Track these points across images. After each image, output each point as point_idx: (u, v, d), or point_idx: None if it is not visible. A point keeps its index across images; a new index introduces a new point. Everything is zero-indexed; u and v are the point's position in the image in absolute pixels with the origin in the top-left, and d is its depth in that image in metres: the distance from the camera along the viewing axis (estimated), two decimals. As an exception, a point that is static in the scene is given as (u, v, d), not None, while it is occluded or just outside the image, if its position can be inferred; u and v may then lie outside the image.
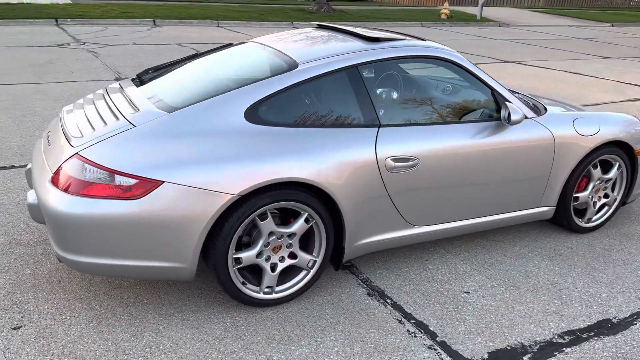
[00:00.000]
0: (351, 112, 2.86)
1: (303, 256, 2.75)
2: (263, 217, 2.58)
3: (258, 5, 21.64)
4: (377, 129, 2.87)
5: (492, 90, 3.23)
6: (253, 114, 2.66)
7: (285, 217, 2.73)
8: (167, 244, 2.42)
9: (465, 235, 3.66)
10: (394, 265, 3.24)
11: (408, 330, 2.64)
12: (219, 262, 2.53)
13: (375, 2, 28.12)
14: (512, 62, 11.67)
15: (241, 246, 2.69)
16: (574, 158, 3.42)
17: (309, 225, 2.71)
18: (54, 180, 2.45)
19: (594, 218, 3.79)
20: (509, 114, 3.05)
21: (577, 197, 3.61)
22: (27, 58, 9.27)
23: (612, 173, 3.68)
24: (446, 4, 21.55)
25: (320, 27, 3.68)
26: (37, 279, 2.90)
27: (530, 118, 3.32)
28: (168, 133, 2.51)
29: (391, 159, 2.83)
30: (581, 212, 3.75)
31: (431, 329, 2.66)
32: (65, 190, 2.38)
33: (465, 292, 2.99)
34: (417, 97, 3.26)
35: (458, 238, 3.62)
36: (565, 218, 3.63)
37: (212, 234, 2.51)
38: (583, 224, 3.73)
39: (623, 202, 3.91)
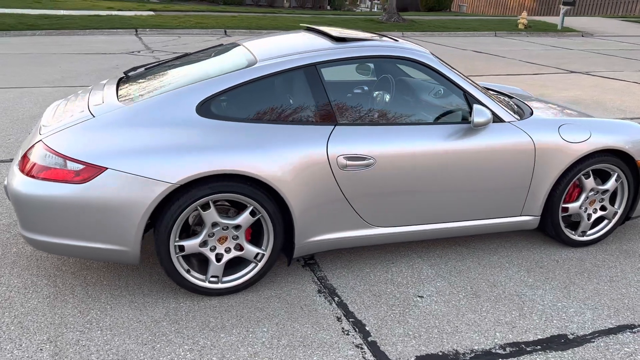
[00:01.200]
0: (306, 109, 2.91)
1: (250, 249, 2.83)
2: (206, 207, 2.68)
3: (329, 16, 21.97)
4: (332, 127, 2.90)
5: (464, 91, 3.15)
6: (205, 109, 2.78)
7: (238, 210, 2.82)
8: (110, 228, 2.58)
9: (444, 241, 3.57)
10: (357, 265, 3.23)
11: (342, 328, 2.63)
12: (161, 248, 2.66)
13: (452, 12, 27.64)
14: (578, 72, 11.09)
15: (191, 235, 2.81)
16: (559, 166, 3.24)
17: (255, 218, 2.78)
18: (20, 165, 2.69)
19: (591, 232, 3.56)
20: (473, 116, 2.97)
21: (567, 208, 3.42)
22: (96, 64, 10.02)
23: (609, 184, 3.44)
24: (524, 14, 20.79)
25: (307, 29, 3.75)
26: (19, 256, 3.17)
27: (508, 122, 3.20)
28: (122, 124, 2.69)
29: (344, 157, 2.84)
30: (575, 225, 3.54)
31: (367, 328, 2.64)
32: (27, 173, 2.61)
33: (419, 296, 2.93)
34: (380, 97, 3.24)
35: (436, 243, 3.54)
36: (553, 229, 3.45)
37: (156, 221, 2.65)
38: (576, 237, 3.52)
39: (627, 217, 3.64)
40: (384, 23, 19.12)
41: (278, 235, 2.84)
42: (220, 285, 2.83)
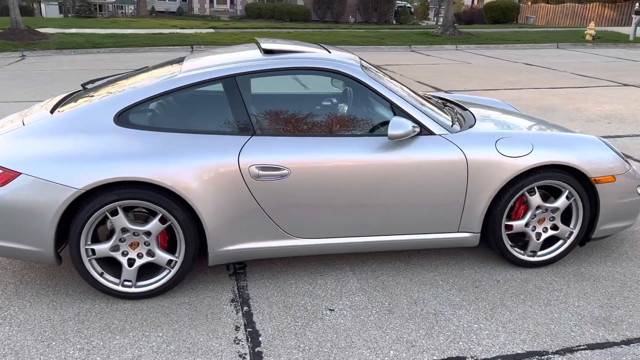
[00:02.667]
0: (223, 120, 2.98)
1: (161, 255, 2.91)
2: (117, 213, 2.80)
3: (385, 30, 21.93)
4: (249, 137, 2.94)
5: (390, 103, 3.10)
6: (124, 118, 2.91)
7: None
8: (26, 230, 2.76)
9: (384, 255, 3.49)
10: (284, 275, 3.23)
11: (236, 337, 2.65)
12: (73, 251, 2.81)
13: (517, 25, 26.75)
14: (632, 85, 10.42)
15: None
16: (496, 181, 3.10)
17: (166, 225, 2.87)
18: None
19: (542, 252, 3.36)
20: (389, 128, 2.91)
21: (511, 226, 3.25)
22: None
23: (559, 202, 3.24)
24: (591, 24, 19.79)
25: (255, 42, 3.81)
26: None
27: (439, 135, 3.11)
28: (44, 132, 2.87)
29: (256, 167, 2.88)
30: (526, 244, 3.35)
31: (260, 339, 2.64)
32: None
33: (330, 310, 2.89)
34: (302, 109, 3.24)
35: (375, 256, 3.46)
36: (497, 248, 3.29)
37: (68, 224, 2.80)
38: (525, 257, 3.33)
39: (587, 238, 3.40)
40: (439, 36, 18.85)
41: (190, 243, 2.90)
42: (133, 290, 2.93)
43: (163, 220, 2.86)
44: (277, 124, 3.05)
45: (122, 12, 54.29)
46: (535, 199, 3.20)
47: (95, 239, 2.89)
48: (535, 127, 3.51)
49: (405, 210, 3.09)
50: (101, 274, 2.90)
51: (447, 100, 4.07)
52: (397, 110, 3.09)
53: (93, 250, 2.84)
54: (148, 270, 3.00)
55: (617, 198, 3.27)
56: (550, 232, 3.32)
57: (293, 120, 3.08)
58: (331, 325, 2.75)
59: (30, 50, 14.77)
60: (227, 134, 2.94)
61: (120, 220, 2.81)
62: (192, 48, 16.14)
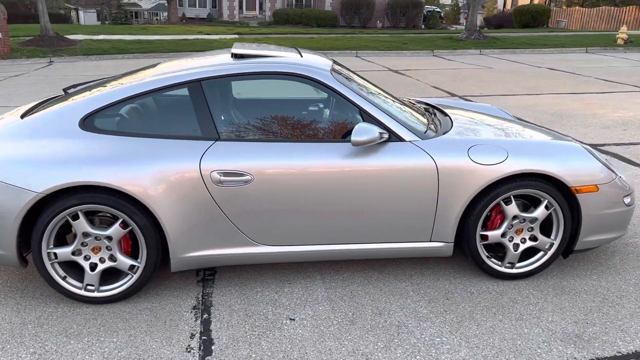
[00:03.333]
0: (187, 124, 2.96)
1: (123, 260, 2.90)
2: (78, 217, 2.81)
3: (409, 35, 21.75)
4: (212, 142, 2.91)
5: (359, 109, 3.03)
6: (89, 123, 2.92)
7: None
8: (-11, 232, 2.79)
9: (358, 263, 3.41)
10: (252, 282, 3.19)
11: (189, 345, 2.62)
12: (35, 254, 2.82)
13: (548, 29, 26.17)
14: (655, 90, 10.05)
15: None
16: (469, 190, 2.99)
17: (127, 230, 2.86)
18: None
19: (521, 264, 3.23)
20: (352, 134, 2.84)
21: (486, 236, 3.13)
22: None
23: (537, 212, 3.11)
24: (623, 28, 19.21)
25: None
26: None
27: (409, 141, 3.02)
28: (11, 136, 2.91)
29: (218, 173, 2.85)
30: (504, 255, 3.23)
31: (213, 347, 2.60)
32: None
33: (291, 319, 2.84)
34: (270, 114, 3.19)
35: (348, 265, 3.39)
36: (473, 259, 3.18)
37: (32, 227, 2.82)
38: (503, 269, 3.21)
39: (569, 250, 3.26)
40: (463, 41, 18.59)
41: (152, 249, 2.89)
42: (96, 294, 2.93)
43: (125, 225, 2.85)
44: (242, 129, 3.01)
45: (157, 19, 55.45)
46: (512, 209, 3.08)
47: (64, 243, 2.90)
48: (517, 134, 3.38)
49: (374, 218, 3.01)
50: (64, 278, 2.91)
51: (431, 106, 3.97)
52: (366, 116, 3.02)
53: (55, 254, 2.85)
54: (112, 275, 2.99)
55: (601, 208, 3.12)
56: (529, 243, 3.19)
57: (259, 125, 3.04)
58: (288, 336, 2.69)
59: (58, 57, 15.16)
60: (191, 139, 2.92)
61: (82, 225, 2.82)
62: (214, 54, 16.28)
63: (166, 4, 36.93)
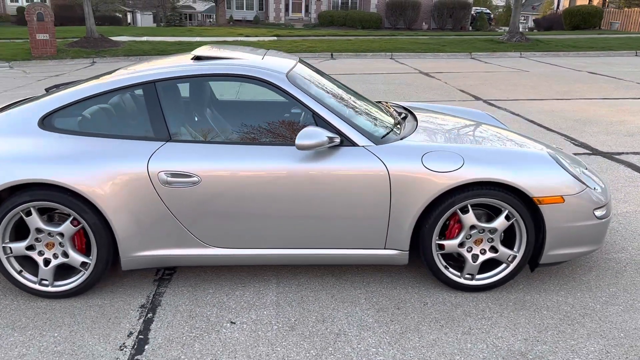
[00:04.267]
0: (140, 125, 3.00)
1: (74, 257, 2.97)
2: (31, 213, 2.89)
3: (450, 37, 21.36)
4: (163, 143, 2.95)
5: (313, 113, 2.99)
6: (48, 122, 3.01)
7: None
8: (-50, 226, 2.91)
9: (318, 268, 3.36)
10: (207, 283, 3.19)
11: (123, 344, 2.65)
12: (-9, 248, 2.93)
13: (599, 30, 25.11)
14: (698, 96, 9.49)
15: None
16: (422, 197, 2.91)
17: (78, 227, 2.93)
18: None
19: (481, 276, 3.10)
20: (297, 138, 2.81)
21: (443, 246, 3.03)
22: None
23: (496, 223, 2.98)
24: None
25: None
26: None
27: (362, 146, 2.96)
28: None
29: (165, 174, 2.88)
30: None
31: (146, 347, 2.63)
32: None
33: (231, 322, 2.83)
34: (224, 116, 3.19)
35: (309, 270, 3.34)
36: (430, 269, 3.08)
37: None
38: (462, 281, 3.09)
39: (535, 263, 3.11)
40: (503, 43, 18.10)
41: (102, 247, 2.94)
42: (50, 289, 3.01)
43: (77, 222, 2.91)
44: (193, 130, 3.03)
45: (209, 21, 56.68)
46: (469, 218, 2.97)
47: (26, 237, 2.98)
48: (483, 140, 3.26)
49: (326, 223, 2.97)
50: (20, 272, 3.01)
51: (408, 111, 3.87)
52: (319, 120, 2.98)
53: (10, 249, 2.95)
54: (68, 271, 3.06)
55: (568, 221, 2.96)
56: (489, 255, 3.06)
57: (211, 127, 3.05)
58: (223, 339, 2.68)
59: (101, 57, 15.72)
60: (143, 140, 2.96)
61: (34, 221, 2.90)
62: (249, 55, 16.48)
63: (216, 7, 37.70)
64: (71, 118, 3.03)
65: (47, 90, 3.81)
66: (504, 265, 3.09)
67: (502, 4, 66.46)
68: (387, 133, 3.15)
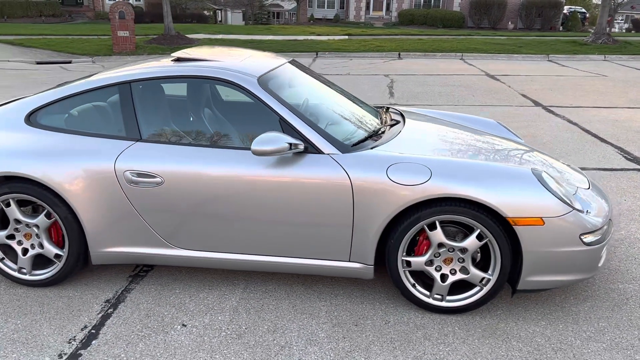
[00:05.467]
0: (114, 124, 3.08)
1: (49, 248, 3.10)
2: (10, 204, 3.05)
3: (529, 37, 20.31)
4: (133, 142, 3.00)
5: (280, 118, 2.92)
6: (33, 119, 3.16)
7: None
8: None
9: (290, 276, 3.29)
10: (177, 282, 3.22)
11: (74, 337, 2.73)
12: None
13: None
14: None
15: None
16: (386, 211, 2.76)
17: (52, 220, 3.05)
18: None
19: (453, 297, 2.91)
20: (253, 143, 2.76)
21: (410, 262, 2.87)
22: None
23: (467, 242, 2.78)
24: None
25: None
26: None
27: (327, 154, 2.86)
28: None
29: (131, 173, 2.93)
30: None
31: (93, 342, 2.68)
32: None
33: (183, 325, 2.83)
34: (194, 118, 3.18)
35: (280, 276, 3.28)
36: (396, 285, 2.93)
37: None
38: (431, 301, 2.91)
39: (513, 289, 2.87)
40: (587, 45, 16.97)
41: (73, 240, 3.04)
42: (28, 277, 3.16)
43: (52, 215, 3.03)
44: (162, 132, 3.06)
45: (295, 20, 57.58)
46: (436, 235, 2.78)
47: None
48: (474, 155, 3.04)
49: (289, 231, 2.90)
50: (2, 259, 3.17)
51: (402, 118, 3.69)
52: (285, 125, 2.91)
53: (-6, 239, 3.12)
54: (46, 262, 3.19)
55: (548, 245, 2.70)
56: (459, 276, 2.86)
57: (181, 128, 3.06)
58: (168, 341, 2.69)
59: (174, 54, 16.36)
60: (115, 138, 3.02)
61: (13, 212, 3.05)
62: (316, 54, 16.58)
63: (298, 5, 38.22)
64: (53, 115, 3.15)
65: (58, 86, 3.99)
66: (477, 288, 2.88)
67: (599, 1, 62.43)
68: (360, 141, 3.02)
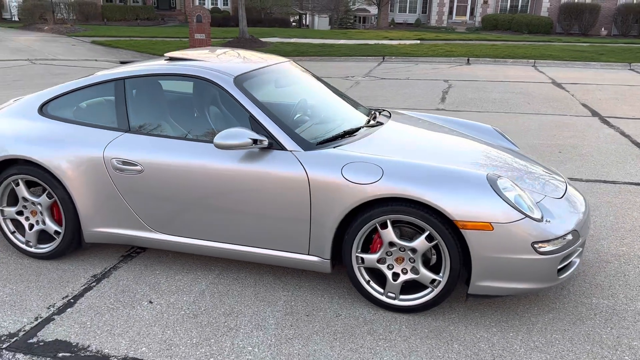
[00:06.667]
0: (110, 116, 3.40)
1: (50, 225, 3.46)
2: (19, 184, 3.45)
3: (615, 44, 19.13)
4: (122, 133, 3.31)
5: (250, 115, 3.11)
6: (44, 109, 3.55)
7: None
8: (-32, 188, 3.59)
9: (260, 267, 3.46)
10: (160, 265, 3.46)
11: (54, 304, 3.04)
12: (-7, 210, 3.55)
13: None
14: None
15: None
16: (340, 207, 2.87)
17: (52, 200, 3.42)
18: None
19: (406, 297, 2.95)
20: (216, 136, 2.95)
21: (363, 259, 2.96)
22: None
23: (416, 243, 2.82)
24: None
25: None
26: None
27: (290, 151, 3.01)
28: (5, 115, 3.66)
29: (116, 161, 3.23)
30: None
31: (68, 310, 2.98)
32: None
33: (150, 302, 3.09)
34: (181, 112, 3.42)
35: (256, 266, 3.46)
36: (351, 281, 3.03)
37: None
38: (385, 299, 2.98)
39: (467, 293, 2.88)
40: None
41: (69, 219, 3.39)
42: (33, 250, 3.55)
43: (51, 196, 3.40)
44: (147, 124, 3.33)
45: (372, 24, 57.55)
46: (387, 234, 2.85)
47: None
48: (438, 157, 3.08)
49: (253, 222, 3.07)
50: (13, 232, 3.59)
51: (388, 117, 3.76)
52: (254, 122, 3.09)
53: (3, 211, 3.54)
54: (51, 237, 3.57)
55: (497, 251, 2.70)
56: (410, 275, 2.90)
57: (164, 121, 3.32)
58: (131, 315, 2.95)
59: (246, 56, 17.01)
60: (108, 129, 3.34)
61: (21, 191, 3.45)
62: (383, 59, 16.62)
63: (378, 10, 38.27)
64: (59, 107, 3.52)
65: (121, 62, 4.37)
66: (429, 289, 2.91)
67: None
68: (327, 140, 3.13)
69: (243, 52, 4.01)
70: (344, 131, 3.29)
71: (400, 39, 21.22)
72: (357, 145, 3.11)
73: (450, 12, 37.55)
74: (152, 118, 3.36)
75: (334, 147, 3.04)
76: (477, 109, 8.91)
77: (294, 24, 43.66)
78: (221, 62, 3.46)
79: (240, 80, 3.23)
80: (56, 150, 3.30)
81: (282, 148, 3.01)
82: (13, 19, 29.71)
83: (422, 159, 2.96)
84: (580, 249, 3.05)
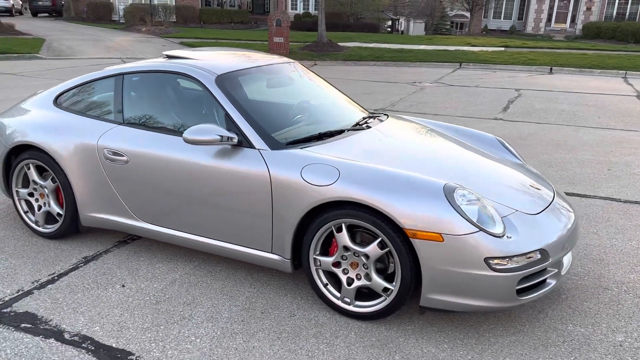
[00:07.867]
0: (108, 109, 3.63)
1: (54, 208, 3.74)
2: (29, 168, 3.77)
3: None
4: (116, 125, 3.53)
5: (225, 113, 3.19)
6: (58, 101, 3.86)
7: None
8: (-8, 169, 3.98)
9: (235, 262, 3.53)
10: (148, 254, 3.63)
11: (38, 280, 3.30)
12: (5, 192, 3.91)
13: None
14: None
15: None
16: (298, 208, 2.88)
17: (55, 184, 3.70)
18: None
19: (362, 303, 2.90)
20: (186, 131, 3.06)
21: (320, 261, 2.95)
22: (359, 89, 11.51)
23: (368, 249, 2.76)
24: None
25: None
26: None
27: (258, 149, 3.06)
28: (29, 106, 4.03)
29: (107, 151, 3.45)
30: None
31: (49, 286, 3.22)
32: None
33: (122, 286, 3.26)
34: (163, 107, 3.55)
35: (230, 262, 3.53)
36: (309, 282, 3.02)
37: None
38: (340, 303, 2.94)
39: (419, 305, 2.79)
40: None
41: (69, 203, 3.65)
42: (40, 229, 3.85)
43: (55, 180, 3.69)
44: (137, 118, 3.51)
45: (466, 30, 55.89)
46: (342, 238, 2.82)
47: None
48: (406, 163, 3.01)
49: (221, 217, 3.15)
50: (25, 212, 3.92)
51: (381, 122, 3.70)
52: (228, 120, 3.17)
53: (18, 192, 3.88)
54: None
55: (447, 264, 2.59)
56: (364, 282, 2.85)
57: (154, 115, 3.48)
58: (99, 296, 3.12)
59: (322, 60, 17.26)
60: (105, 121, 3.57)
61: (31, 174, 3.76)
62: (459, 65, 16.19)
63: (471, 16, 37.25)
64: (69, 99, 3.80)
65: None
66: (382, 298, 2.83)
67: None
68: (298, 140, 3.15)
69: (250, 53, 4.10)
70: (320, 133, 3.28)
71: (483, 46, 20.53)
72: (327, 147, 3.09)
73: (549, 19, 35.75)
74: (143, 112, 3.54)
75: (301, 148, 3.05)
76: (537, 120, 8.45)
77: (388, 29, 43.44)
78: (211, 61, 3.57)
79: (222, 79, 3.32)
80: (60, 139, 3.56)
81: (251, 146, 3.06)
82: (120, 21, 32.07)
83: (385, 164, 2.89)
84: (555, 270, 2.84)
